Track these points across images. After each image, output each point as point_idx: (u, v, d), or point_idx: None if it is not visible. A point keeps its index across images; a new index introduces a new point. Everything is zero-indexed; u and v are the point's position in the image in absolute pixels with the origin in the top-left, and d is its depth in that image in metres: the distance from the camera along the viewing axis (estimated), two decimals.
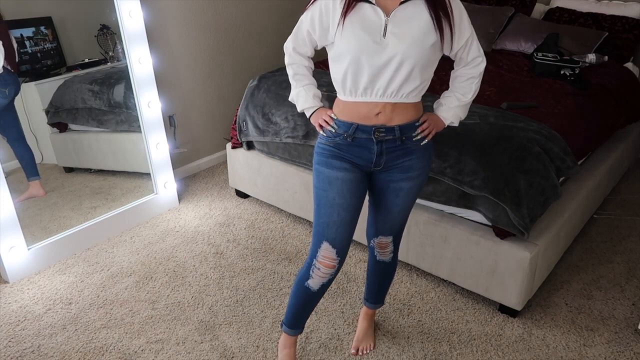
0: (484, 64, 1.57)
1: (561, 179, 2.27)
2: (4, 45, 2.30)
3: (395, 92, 1.47)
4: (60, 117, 2.68)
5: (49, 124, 2.64)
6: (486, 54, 2.04)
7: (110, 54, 2.75)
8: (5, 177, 2.25)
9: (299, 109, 1.67)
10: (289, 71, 1.65)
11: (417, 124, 1.55)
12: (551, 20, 3.40)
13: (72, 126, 2.74)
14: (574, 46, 3.04)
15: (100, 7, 2.62)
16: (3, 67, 2.30)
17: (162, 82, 2.97)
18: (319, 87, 1.69)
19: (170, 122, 3.14)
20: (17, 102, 2.43)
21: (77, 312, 2.18)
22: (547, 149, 2.07)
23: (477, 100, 2.34)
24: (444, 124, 1.63)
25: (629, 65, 3.14)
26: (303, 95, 1.64)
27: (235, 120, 2.80)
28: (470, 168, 2.03)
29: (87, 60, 2.71)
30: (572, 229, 2.44)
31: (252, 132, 2.72)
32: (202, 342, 2.03)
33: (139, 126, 2.77)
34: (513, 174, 1.98)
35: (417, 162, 1.58)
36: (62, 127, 2.71)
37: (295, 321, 1.79)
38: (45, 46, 2.52)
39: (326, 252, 1.60)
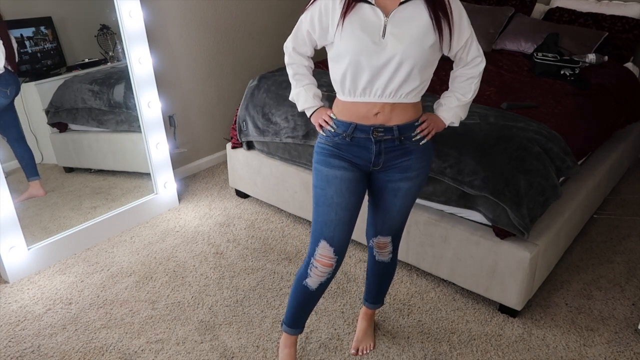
0: (483, 64, 1.57)
1: (561, 179, 2.27)
2: (4, 45, 2.30)
3: (394, 92, 1.47)
4: (60, 117, 2.68)
5: (49, 124, 2.64)
6: (486, 54, 2.04)
7: (110, 54, 2.75)
8: (5, 177, 2.25)
9: (299, 109, 1.67)
10: (289, 71, 1.66)
11: (416, 124, 1.55)
12: (551, 20, 3.40)
13: (72, 126, 2.74)
14: (574, 46, 3.04)
15: (100, 7, 2.62)
16: (4, 67, 2.30)
17: (162, 82, 2.97)
18: (319, 87, 1.70)
19: (170, 122, 3.14)
20: (17, 102, 2.44)
21: (77, 312, 2.19)
22: (547, 149, 2.07)
23: (477, 100, 2.34)
24: (445, 124, 1.63)
25: (629, 65, 3.14)
26: (303, 95, 1.64)
27: (235, 120, 2.80)
28: (470, 168, 2.03)
29: (87, 60, 2.71)
30: (572, 229, 2.44)
31: (252, 132, 2.72)
32: (202, 342, 2.03)
33: (139, 126, 2.77)
34: (513, 174, 1.98)
35: (416, 162, 1.58)
36: (62, 127, 2.71)
37: (295, 320, 1.80)
38: (45, 46, 2.52)
39: (324, 250, 1.60)
